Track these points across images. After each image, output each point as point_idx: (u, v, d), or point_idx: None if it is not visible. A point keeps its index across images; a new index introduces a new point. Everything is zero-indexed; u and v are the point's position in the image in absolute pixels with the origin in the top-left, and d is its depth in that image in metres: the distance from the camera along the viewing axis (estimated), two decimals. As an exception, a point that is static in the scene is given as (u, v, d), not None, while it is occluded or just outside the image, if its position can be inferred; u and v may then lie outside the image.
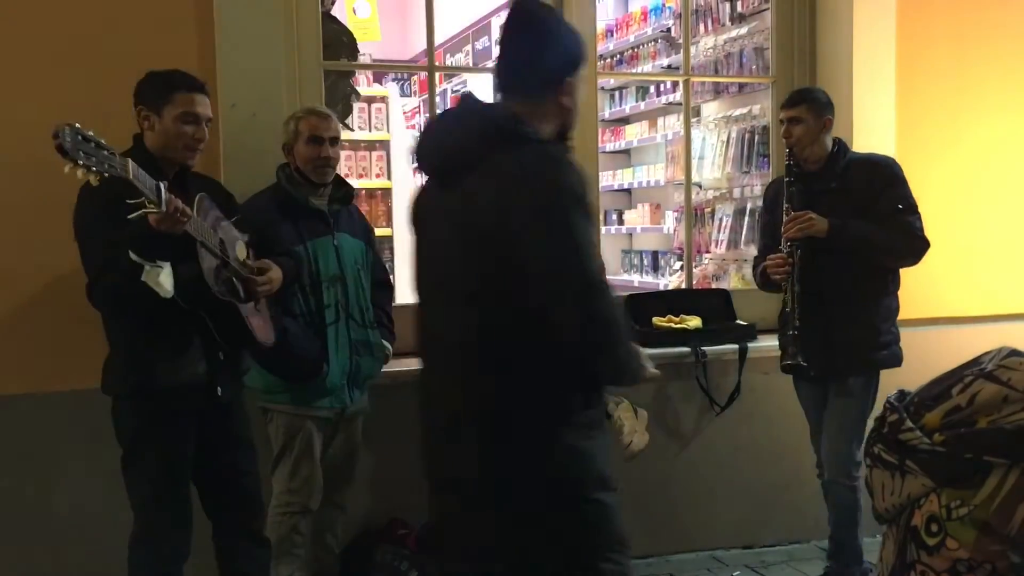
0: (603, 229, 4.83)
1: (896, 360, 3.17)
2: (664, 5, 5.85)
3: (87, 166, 2.01)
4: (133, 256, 2.26)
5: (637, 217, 6.14)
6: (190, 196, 2.46)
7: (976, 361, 1.15)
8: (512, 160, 1.73)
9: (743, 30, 4.67)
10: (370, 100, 5.82)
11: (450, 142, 1.86)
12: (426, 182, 1.96)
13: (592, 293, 1.73)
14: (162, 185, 2.21)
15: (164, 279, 2.26)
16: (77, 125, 2.03)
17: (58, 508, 3.07)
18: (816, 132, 3.12)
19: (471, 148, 1.79)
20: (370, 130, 5.81)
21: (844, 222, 3.05)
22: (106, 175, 2.04)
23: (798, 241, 3.08)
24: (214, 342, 2.49)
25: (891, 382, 2.92)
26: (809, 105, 3.13)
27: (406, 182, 6.18)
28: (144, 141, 2.52)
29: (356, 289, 2.96)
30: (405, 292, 3.30)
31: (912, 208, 3.11)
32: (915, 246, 3.11)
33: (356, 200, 3.14)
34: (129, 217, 2.15)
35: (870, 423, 1.37)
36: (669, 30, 5.76)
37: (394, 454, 3.36)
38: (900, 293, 3.18)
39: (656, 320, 3.77)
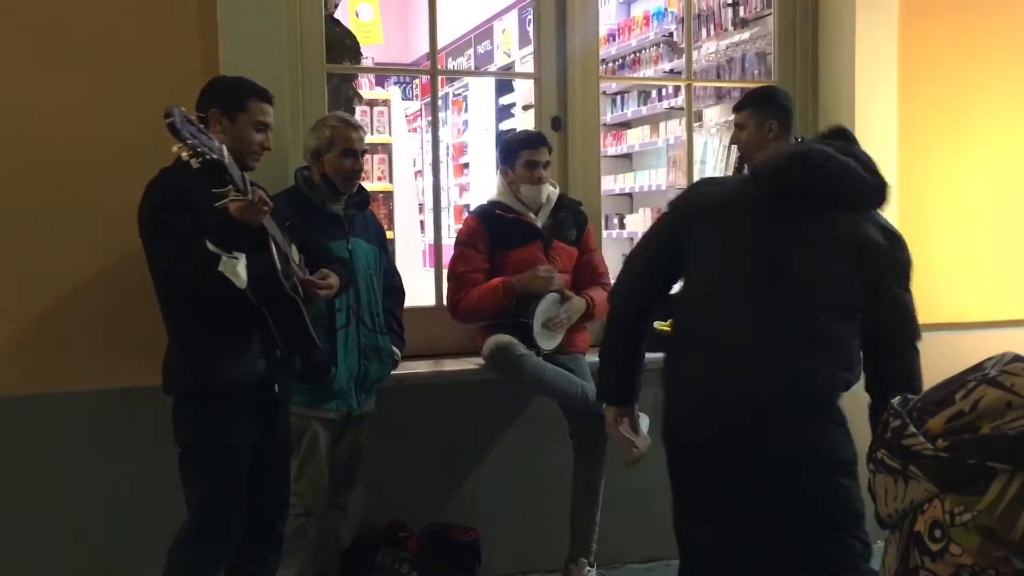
0: (604, 234, 4.82)
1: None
2: (666, 10, 5.87)
3: (193, 147, 2.11)
4: (211, 245, 2.30)
5: (639, 221, 6.15)
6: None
7: (979, 367, 1.15)
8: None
9: (745, 35, 4.68)
10: (372, 103, 5.83)
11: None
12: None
13: None
14: (246, 175, 2.33)
15: (240, 269, 2.33)
16: (183, 108, 2.15)
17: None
18: (760, 139, 2.95)
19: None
20: (372, 133, 5.82)
21: None
22: (207, 157, 2.14)
23: None
24: (272, 340, 2.54)
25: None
26: (751, 110, 2.98)
27: (408, 185, 6.20)
28: None
29: (368, 294, 2.98)
30: (408, 297, 3.31)
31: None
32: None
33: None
34: (216, 204, 2.25)
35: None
36: (671, 35, 5.78)
37: (394, 456, 3.36)
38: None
39: (658, 325, 3.76)
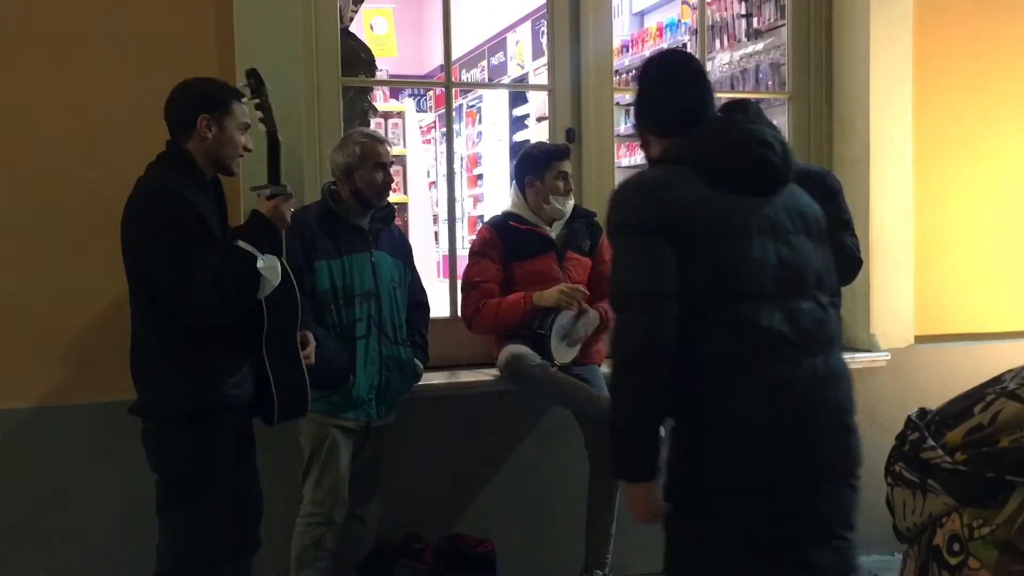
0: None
1: None
2: (680, 21, 5.88)
3: (269, 110, 2.41)
4: (244, 245, 2.30)
5: (653, 232, 6.13)
6: (223, 203, 2.59)
7: (998, 379, 1.15)
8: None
9: (759, 46, 4.68)
10: (387, 115, 5.87)
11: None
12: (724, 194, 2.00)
13: None
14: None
15: (277, 270, 2.36)
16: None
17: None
18: None
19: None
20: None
21: None
22: (276, 133, 2.41)
23: None
24: (261, 360, 2.51)
25: (908, 401, 2.90)
26: None
27: (422, 196, 6.23)
28: (186, 148, 2.50)
29: (391, 307, 3.01)
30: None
31: (847, 223, 3.02)
32: (846, 264, 2.87)
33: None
34: (256, 191, 2.43)
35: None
36: (685, 46, 5.78)
37: (410, 467, 3.37)
38: (920, 309, 3.10)
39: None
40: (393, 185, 3.12)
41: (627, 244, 1.94)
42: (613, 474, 1.95)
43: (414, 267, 3.24)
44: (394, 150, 5.82)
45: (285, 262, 2.48)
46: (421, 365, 3.14)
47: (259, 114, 2.46)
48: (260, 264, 2.33)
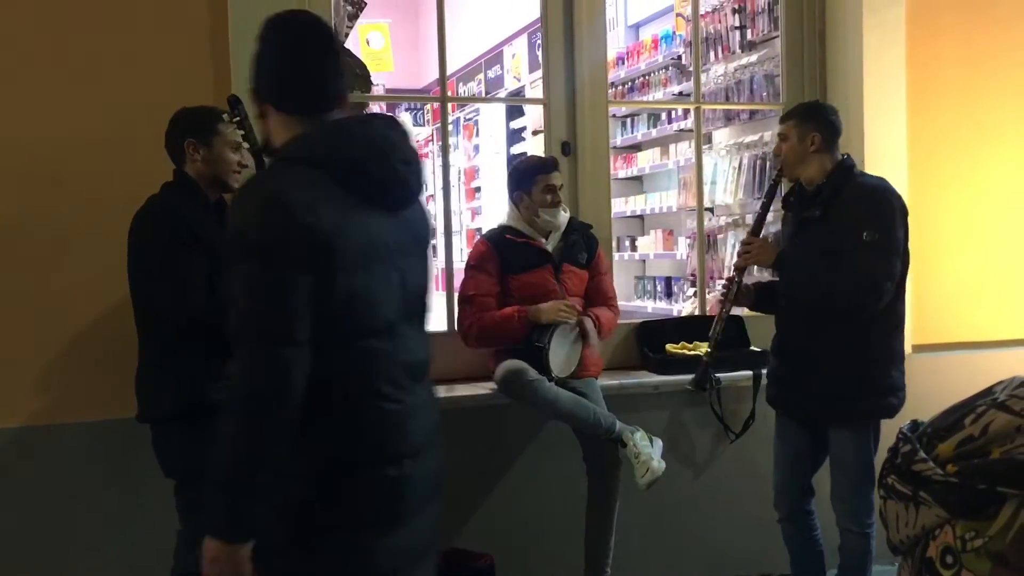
0: (616, 256, 4.83)
1: (885, 412, 2.93)
2: (674, 33, 5.90)
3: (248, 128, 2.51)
4: None
5: (650, 243, 6.15)
6: (225, 223, 2.60)
7: (989, 391, 1.15)
8: None
9: (753, 57, 4.70)
10: (383, 130, 5.86)
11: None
12: None
13: None
14: None
15: None
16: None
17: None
18: (802, 151, 2.94)
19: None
20: (383, 159, 5.85)
21: (788, 258, 2.94)
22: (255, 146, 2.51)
23: (743, 269, 3.09)
24: None
25: (906, 410, 2.91)
26: (796, 121, 2.97)
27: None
28: (185, 172, 2.70)
29: None
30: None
31: (879, 246, 2.79)
32: (862, 289, 2.79)
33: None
34: None
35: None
36: (680, 58, 5.81)
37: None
38: (916, 318, 3.07)
39: (669, 347, 3.77)
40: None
41: (260, 272, 1.63)
42: (210, 532, 1.62)
43: None
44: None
45: None
46: None
47: (242, 133, 2.62)
48: None
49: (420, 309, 1.92)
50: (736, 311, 3.45)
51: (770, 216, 3.24)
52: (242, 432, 1.62)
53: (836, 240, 2.84)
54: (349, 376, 1.72)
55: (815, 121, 2.97)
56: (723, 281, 3.17)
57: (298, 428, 1.65)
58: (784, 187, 3.19)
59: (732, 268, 3.13)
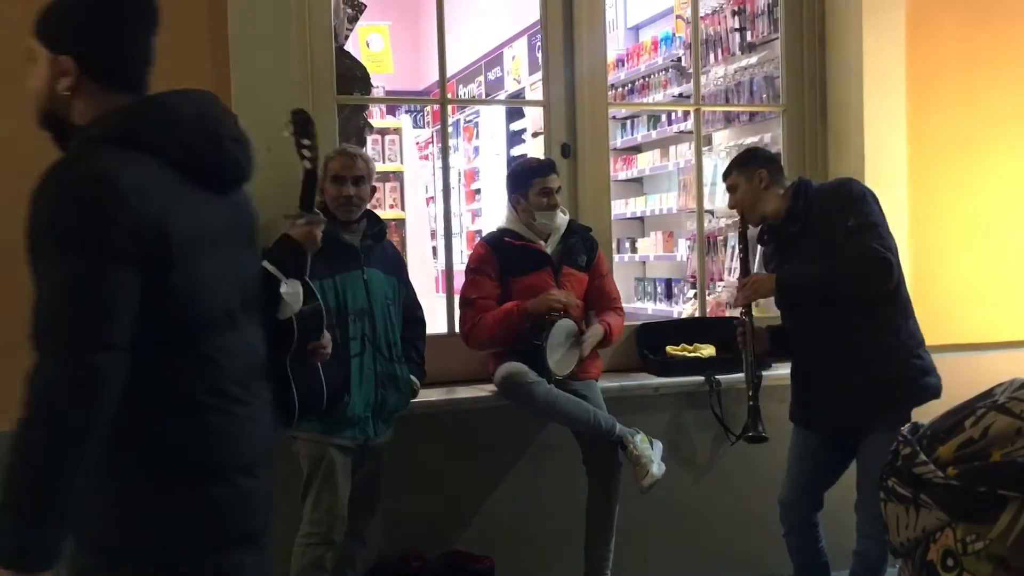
0: (616, 257, 4.83)
1: (928, 392, 2.89)
2: (674, 35, 5.90)
3: (312, 148, 2.42)
4: (269, 267, 2.31)
5: (650, 245, 6.16)
6: None
7: (989, 393, 1.15)
8: None
9: (753, 59, 4.70)
10: (383, 132, 5.89)
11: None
12: None
13: None
14: None
15: (299, 297, 2.34)
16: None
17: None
18: (756, 191, 3.01)
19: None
20: (383, 161, 5.87)
21: (786, 272, 2.94)
22: (314, 166, 2.43)
23: (749, 308, 3.07)
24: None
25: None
26: (738, 171, 3.05)
27: (420, 212, 6.24)
28: None
29: (384, 323, 3.00)
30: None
31: (866, 226, 2.83)
32: (870, 267, 2.82)
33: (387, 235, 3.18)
34: (289, 219, 2.46)
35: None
36: (680, 59, 5.81)
37: (408, 484, 3.36)
38: (924, 319, 3.03)
39: (670, 349, 3.77)
40: (373, 201, 3.10)
41: (74, 266, 1.43)
42: (4, 564, 1.39)
43: (408, 282, 3.23)
44: (391, 166, 5.89)
45: (309, 280, 2.48)
46: (417, 382, 3.13)
47: (305, 151, 2.45)
48: (284, 289, 2.33)
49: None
50: (735, 313, 3.44)
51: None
52: (42, 459, 1.40)
53: (823, 244, 2.88)
54: (187, 377, 1.56)
55: (754, 161, 3.06)
56: (737, 328, 3.11)
57: (122, 440, 1.48)
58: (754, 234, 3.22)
59: (739, 313, 3.12)
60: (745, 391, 3.10)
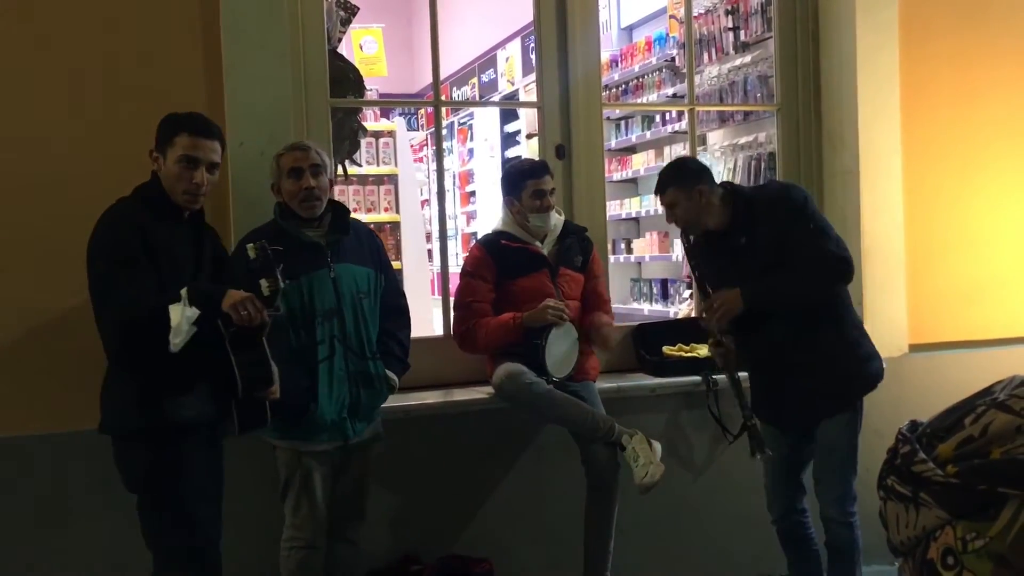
0: (611, 258, 4.82)
1: (870, 382, 3.00)
2: (668, 35, 5.91)
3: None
4: (184, 291, 2.30)
5: (645, 246, 6.16)
6: (203, 241, 2.58)
7: (988, 390, 1.14)
8: None
9: (747, 59, 4.70)
10: (377, 135, 5.87)
11: None
12: None
13: None
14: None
15: (185, 328, 2.30)
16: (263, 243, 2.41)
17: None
18: (696, 207, 2.96)
19: None
20: (378, 164, 5.86)
21: (753, 287, 2.91)
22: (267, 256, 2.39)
23: (726, 326, 3.01)
24: (231, 380, 2.49)
25: (904, 410, 2.90)
26: (675, 188, 2.98)
27: (415, 215, 6.23)
28: (159, 178, 2.57)
29: (355, 321, 2.89)
30: (417, 327, 3.28)
31: (820, 231, 2.90)
32: (832, 269, 2.89)
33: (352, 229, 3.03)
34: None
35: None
36: (673, 59, 5.81)
37: (406, 488, 3.35)
38: (913, 317, 3.07)
39: (667, 349, 3.76)
40: (368, 204, 3.03)
41: None
42: None
43: (389, 269, 3.11)
44: (385, 169, 5.88)
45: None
46: (395, 378, 3.01)
47: (264, 283, 2.40)
48: (175, 315, 2.30)
49: None
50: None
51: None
52: None
53: (774, 250, 2.88)
54: None
55: (689, 176, 3.00)
56: (715, 348, 3.09)
57: None
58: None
59: (713, 330, 3.05)
60: (740, 410, 3.11)
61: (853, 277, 2.95)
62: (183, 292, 2.35)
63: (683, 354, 3.72)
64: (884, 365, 3.06)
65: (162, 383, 2.46)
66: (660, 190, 3.03)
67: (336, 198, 3.07)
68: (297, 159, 2.87)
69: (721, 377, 3.56)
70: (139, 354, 2.44)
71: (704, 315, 3.07)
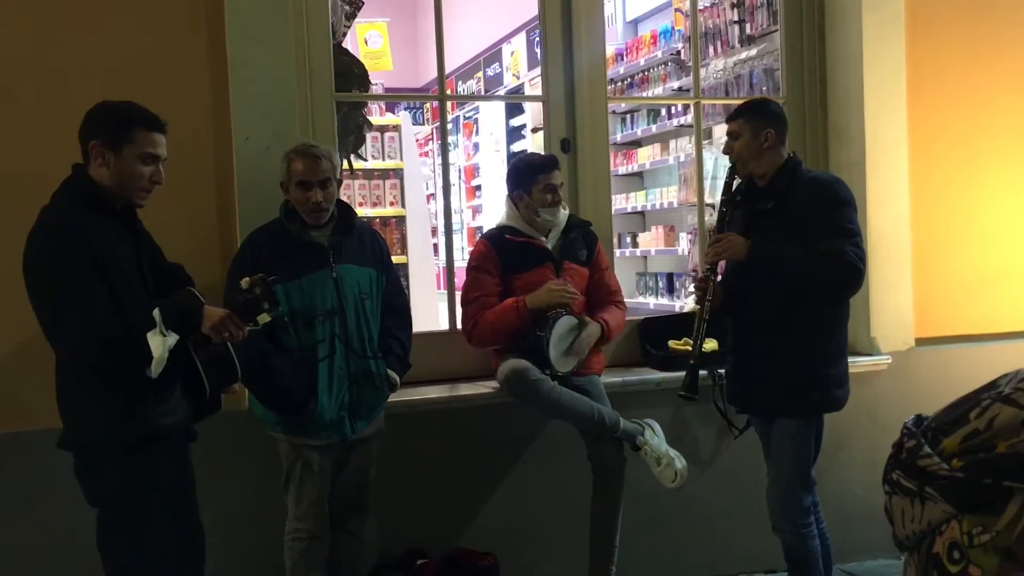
0: (617, 252, 4.82)
1: (831, 405, 2.96)
2: (673, 28, 5.89)
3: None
4: (157, 315, 2.25)
5: (651, 240, 6.15)
6: (139, 236, 2.49)
7: (993, 384, 1.13)
8: None
9: (752, 52, 4.69)
10: (383, 129, 5.87)
11: None
12: None
13: None
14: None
15: (164, 352, 2.26)
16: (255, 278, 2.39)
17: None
18: (757, 147, 2.91)
19: None
20: (383, 159, 5.85)
21: (762, 243, 2.88)
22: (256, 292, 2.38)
23: (715, 266, 3.01)
24: (199, 383, 2.47)
25: (910, 404, 2.90)
26: (747, 118, 2.94)
27: (420, 209, 6.23)
28: (90, 174, 2.39)
29: (357, 320, 2.91)
30: (422, 321, 3.28)
31: (847, 232, 2.83)
32: (841, 272, 2.82)
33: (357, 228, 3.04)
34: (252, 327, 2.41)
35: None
36: (679, 53, 5.80)
37: (411, 482, 3.36)
38: (919, 311, 3.07)
39: (672, 343, 3.76)
40: (373, 199, 3.05)
41: None
42: None
43: (391, 270, 3.12)
44: (391, 163, 5.88)
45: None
46: (396, 376, 3.01)
47: (263, 312, 2.40)
48: (157, 346, 2.26)
49: None
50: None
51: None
52: None
53: (796, 231, 2.86)
54: None
55: (768, 118, 2.96)
56: (694, 281, 3.11)
57: None
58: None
59: (705, 266, 3.07)
60: (696, 351, 3.09)
61: (857, 289, 2.92)
62: (156, 316, 2.25)
63: (689, 348, 3.71)
64: (847, 397, 3.01)
65: (140, 393, 2.35)
66: (732, 117, 3.01)
67: (342, 192, 3.07)
68: (307, 171, 2.84)
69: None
70: (114, 371, 2.34)
71: (707, 248, 3.08)
